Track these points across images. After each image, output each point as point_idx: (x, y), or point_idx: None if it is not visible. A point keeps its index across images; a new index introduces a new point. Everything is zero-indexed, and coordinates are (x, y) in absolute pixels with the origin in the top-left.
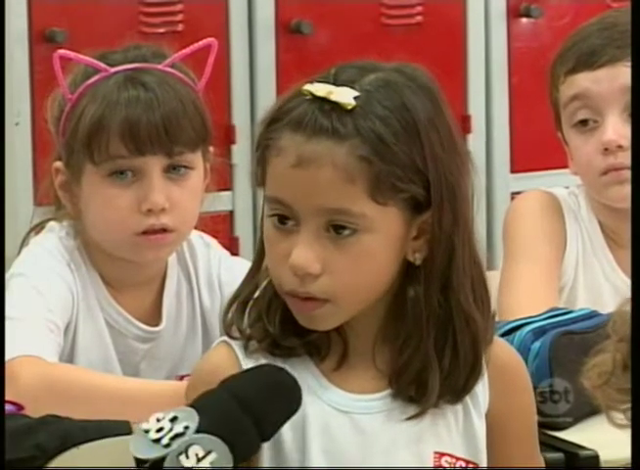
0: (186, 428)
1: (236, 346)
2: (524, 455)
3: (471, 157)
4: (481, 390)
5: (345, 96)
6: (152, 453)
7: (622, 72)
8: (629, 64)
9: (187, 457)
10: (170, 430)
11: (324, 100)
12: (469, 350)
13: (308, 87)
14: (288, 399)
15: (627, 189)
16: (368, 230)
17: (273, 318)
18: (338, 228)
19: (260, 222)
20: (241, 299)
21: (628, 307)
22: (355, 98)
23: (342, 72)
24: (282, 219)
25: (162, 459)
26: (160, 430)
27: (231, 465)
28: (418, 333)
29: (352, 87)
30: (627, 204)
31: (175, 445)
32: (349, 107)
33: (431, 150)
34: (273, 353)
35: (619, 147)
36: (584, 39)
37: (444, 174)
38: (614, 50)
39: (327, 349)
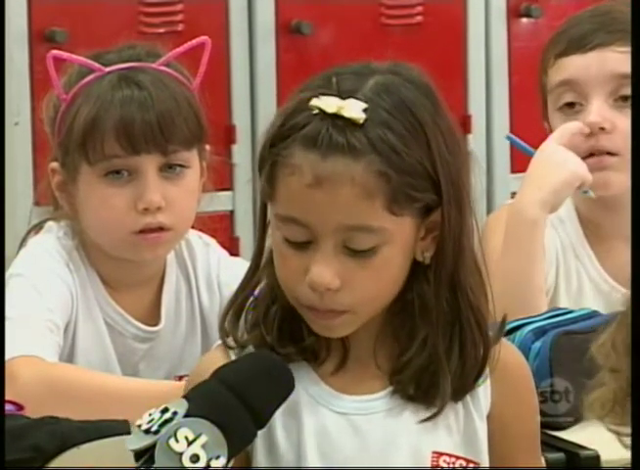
0: (174, 414)
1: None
2: (525, 458)
3: (469, 148)
4: (483, 391)
5: (356, 110)
6: (143, 442)
7: (611, 58)
8: (619, 49)
9: (177, 441)
10: (160, 418)
11: (335, 116)
12: (479, 347)
13: (317, 103)
14: (277, 381)
15: (608, 176)
16: (386, 243)
17: (270, 326)
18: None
19: (259, 231)
20: (236, 306)
21: (612, 334)
22: (364, 110)
23: (343, 82)
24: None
25: (155, 447)
26: (150, 421)
27: (225, 450)
28: (425, 331)
29: (357, 97)
30: (608, 191)
31: (164, 430)
32: (361, 121)
33: (437, 149)
34: None
35: (602, 129)
36: (577, 24)
37: (450, 173)
38: (604, 35)
39: (325, 353)
